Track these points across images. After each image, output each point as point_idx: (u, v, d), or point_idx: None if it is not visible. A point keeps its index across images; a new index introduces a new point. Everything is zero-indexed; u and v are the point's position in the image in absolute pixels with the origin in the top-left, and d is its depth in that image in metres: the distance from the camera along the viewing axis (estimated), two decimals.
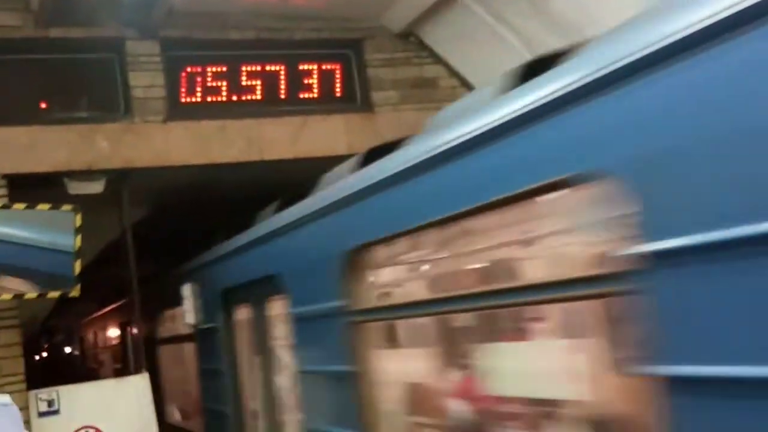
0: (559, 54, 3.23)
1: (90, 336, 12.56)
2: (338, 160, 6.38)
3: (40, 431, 6.04)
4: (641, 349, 2.48)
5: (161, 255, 7.41)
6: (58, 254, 5.90)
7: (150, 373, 6.65)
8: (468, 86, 7.65)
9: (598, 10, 6.01)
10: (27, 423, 5.99)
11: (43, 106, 6.45)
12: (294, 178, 6.21)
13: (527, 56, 6.79)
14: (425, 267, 4.39)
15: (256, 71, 7.07)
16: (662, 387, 2.37)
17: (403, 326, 4.69)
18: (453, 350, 4.46)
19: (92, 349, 12.37)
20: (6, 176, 6.12)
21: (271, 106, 7.05)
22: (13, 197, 5.99)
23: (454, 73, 7.68)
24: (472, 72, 7.58)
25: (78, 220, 5.90)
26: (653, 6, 2.80)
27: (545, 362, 4.01)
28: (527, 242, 3.69)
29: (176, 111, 6.75)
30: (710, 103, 2.23)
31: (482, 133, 3.19)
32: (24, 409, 5.98)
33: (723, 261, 2.17)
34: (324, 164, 6.58)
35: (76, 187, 6.42)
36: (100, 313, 11.16)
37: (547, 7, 6.36)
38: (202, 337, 7.19)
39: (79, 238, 5.90)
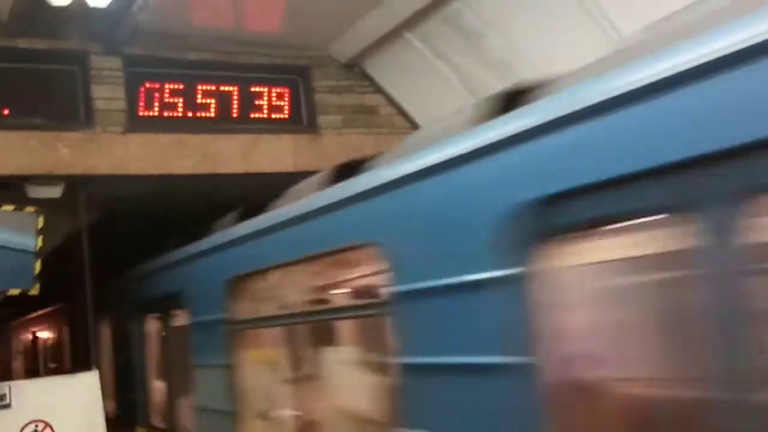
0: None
1: (25, 336, 12.26)
2: (286, 176, 6.65)
3: None
4: (393, 348, 3.81)
5: (112, 260, 7.41)
6: (19, 253, 5.92)
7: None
8: (405, 115, 7.99)
9: (527, 50, 6.39)
10: None
11: (6, 112, 6.44)
12: (244, 192, 6.45)
13: (462, 90, 7.20)
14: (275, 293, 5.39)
15: (211, 90, 7.21)
16: (401, 370, 3.70)
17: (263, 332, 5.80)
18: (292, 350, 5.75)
19: (28, 348, 12.07)
20: None
21: (224, 123, 7.19)
22: None
23: (392, 102, 7.96)
24: (409, 103, 7.90)
25: (41, 221, 5.98)
26: None
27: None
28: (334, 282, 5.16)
29: (135, 123, 6.84)
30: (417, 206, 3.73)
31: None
32: None
33: (432, 298, 3.50)
34: (272, 180, 6.83)
35: (35, 191, 6.43)
36: (38, 313, 11.00)
37: (481, 46, 6.67)
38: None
39: (41, 238, 5.97)
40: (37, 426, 6.16)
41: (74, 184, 6.65)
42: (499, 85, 6.71)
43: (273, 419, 5.45)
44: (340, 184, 4.40)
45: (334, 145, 7.47)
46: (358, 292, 4.98)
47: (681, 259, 2.64)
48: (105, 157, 6.63)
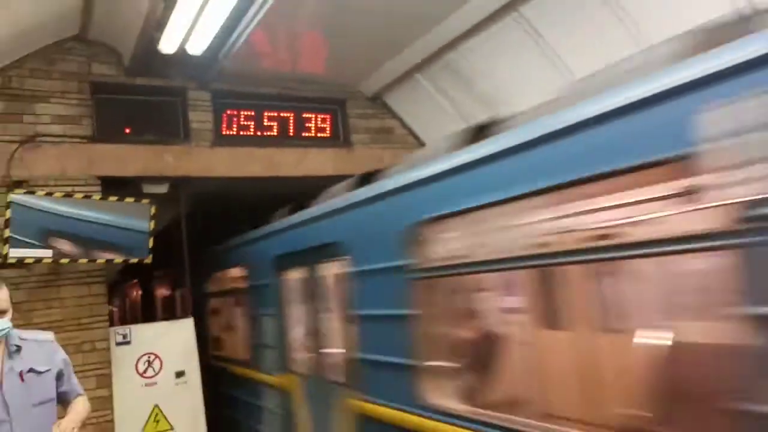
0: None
1: (147, 292, 12.32)
2: (328, 179, 6.75)
3: (117, 356, 6.15)
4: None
5: (203, 238, 7.53)
6: (137, 233, 6.07)
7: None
8: (414, 135, 8.09)
9: (506, 89, 6.43)
10: (107, 350, 6.18)
11: (127, 131, 6.56)
12: (296, 191, 6.56)
13: (457, 117, 7.27)
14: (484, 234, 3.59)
15: (273, 116, 7.30)
16: None
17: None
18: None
19: (148, 301, 12.10)
20: (101, 178, 6.25)
21: (283, 140, 7.29)
22: (105, 194, 6.13)
23: (405, 125, 8.07)
24: (418, 126, 8.00)
25: (153, 210, 6.13)
26: None
27: None
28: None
29: (219, 139, 6.95)
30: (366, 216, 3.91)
31: None
32: (106, 339, 6.20)
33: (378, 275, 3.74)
34: (318, 181, 6.94)
35: (148, 188, 6.55)
36: (156, 276, 11.04)
37: (473, 85, 6.75)
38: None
39: (153, 222, 6.12)
40: (149, 357, 6.35)
41: (176, 183, 6.78)
42: (483, 114, 6.84)
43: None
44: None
45: (364, 156, 7.58)
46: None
47: None
48: (198, 163, 6.75)
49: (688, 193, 2.24)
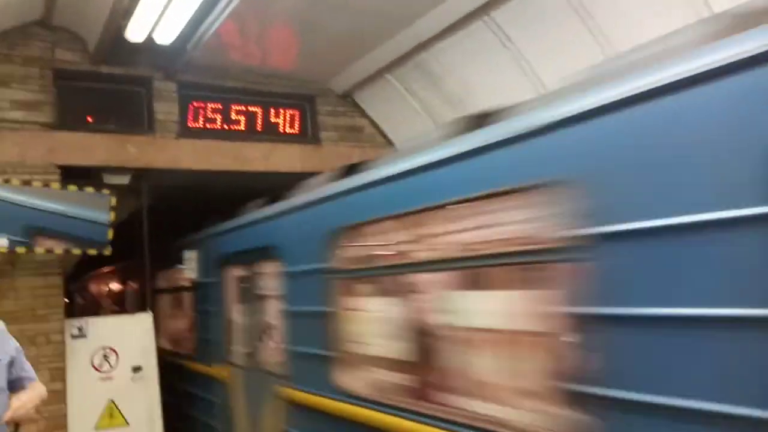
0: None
1: (97, 286, 12.15)
2: (296, 175, 6.72)
3: (72, 349, 6.05)
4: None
5: (163, 232, 7.42)
6: (97, 224, 5.96)
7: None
8: (383, 134, 8.09)
9: (474, 89, 6.49)
10: (62, 343, 6.05)
11: (90, 119, 6.44)
12: (263, 186, 6.52)
13: (425, 117, 7.32)
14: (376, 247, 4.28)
15: (241, 110, 7.23)
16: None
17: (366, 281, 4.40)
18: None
19: (98, 295, 11.96)
20: (61, 167, 6.11)
21: (250, 134, 7.22)
22: (65, 183, 5.99)
23: (374, 124, 8.06)
24: (386, 125, 8.00)
25: (113, 201, 6.02)
26: None
27: None
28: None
29: (185, 131, 6.86)
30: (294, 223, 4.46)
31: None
32: (61, 332, 6.06)
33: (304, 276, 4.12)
34: (285, 177, 6.91)
35: (109, 179, 6.42)
36: (108, 269, 10.91)
37: (443, 86, 6.79)
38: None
39: (113, 213, 6.02)
40: (105, 351, 6.24)
41: (139, 174, 6.67)
42: (452, 114, 6.89)
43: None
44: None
45: (332, 154, 7.55)
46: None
47: None
48: (162, 155, 6.64)
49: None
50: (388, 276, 4.00)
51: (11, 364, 3.47)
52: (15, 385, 3.48)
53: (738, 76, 1.97)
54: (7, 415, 3.25)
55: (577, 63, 4.06)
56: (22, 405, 3.32)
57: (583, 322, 2.46)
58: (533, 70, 5.86)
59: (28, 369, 3.59)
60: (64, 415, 5.87)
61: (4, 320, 3.63)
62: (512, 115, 3.03)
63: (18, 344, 3.59)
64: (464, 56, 6.32)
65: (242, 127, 7.21)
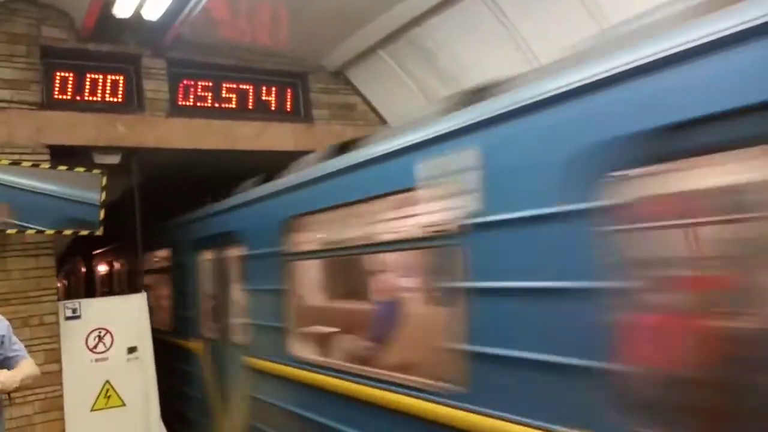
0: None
1: (93, 266, 12.07)
2: (288, 154, 6.69)
3: (66, 330, 6.03)
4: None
5: (155, 211, 7.40)
6: (88, 205, 5.91)
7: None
8: (375, 112, 8.04)
9: (467, 65, 6.44)
10: (56, 324, 6.03)
11: (78, 98, 6.35)
12: (255, 165, 6.48)
13: (419, 94, 7.27)
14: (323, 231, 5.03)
15: (232, 87, 7.16)
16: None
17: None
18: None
19: (87, 276, 11.91)
20: (49, 146, 6.03)
21: (241, 113, 7.16)
22: (55, 163, 5.93)
23: (367, 102, 8.01)
24: (379, 102, 7.94)
25: (104, 180, 5.96)
26: None
27: None
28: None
29: (175, 110, 6.79)
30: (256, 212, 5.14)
31: None
32: (55, 314, 6.04)
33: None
34: (278, 156, 6.87)
35: (99, 158, 6.37)
36: (99, 251, 10.86)
37: (436, 62, 6.74)
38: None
39: (104, 193, 5.97)
40: (100, 332, 6.23)
41: (129, 153, 6.61)
42: (446, 90, 6.84)
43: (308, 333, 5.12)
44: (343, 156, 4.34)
45: (324, 132, 7.51)
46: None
47: None
48: (152, 134, 6.58)
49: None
50: (328, 258, 5.05)
51: (1, 342, 3.52)
52: (5, 364, 3.52)
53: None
54: None
55: (571, 38, 4.02)
56: (11, 376, 3.40)
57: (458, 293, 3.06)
58: (528, 46, 5.82)
59: (18, 348, 3.64)
60: (60, 396, 5.86)
61: None
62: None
63: (7, 322, 3.65)
64: (458, 31, 6.26)
65: (233, 105, 7.14)
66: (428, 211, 3.30)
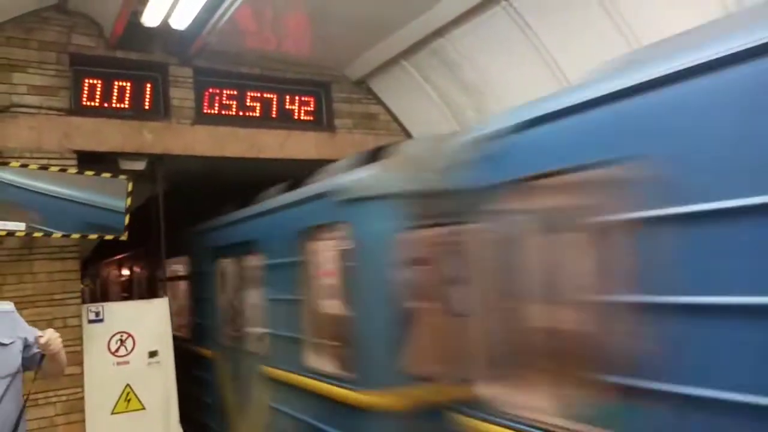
0: None
1: (116, 271, 12.18)
2: (311, 162, 6.73)
3: (89, 333, 6.07)
4: None
5: (178, 218, 7.44)
6: (113, 210, 5.97)
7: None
8: (398, 122, 8.06)
9: (491, 78, 6.41)
10: (79, 327, 6.09)
11: (106, 105, 6.43)
12: (277, 173, 6.52)
13: (441, 105, 7.25)
14: None
15: (257, 96, 7.21)
16: None
17: None
18: None
19: (107, 281, 12.00)
20: (77, 152, 6.11)
21: (266, 121, 7.20)
22: (81, 168, 5.98)
23: (389, 111, 8.02)
24: (402, 112, 7.96)
25: (130, 186, 6.05)
26: None
27: None
28: None
29: (200, 118, 6.84)
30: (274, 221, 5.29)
31: None
32: (78, 317, 6.10)
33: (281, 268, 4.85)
34: (301, 165, 6.91)
35: (125, 164, 6.44)
36: (120, 256, 10.96)
37: (460, 74, 6.72)
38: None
39: (129, 199, 6.04)
40: (122, 336, 6.28)
41: (154, 160, 6.68)
42: (469, 102, 6.82)
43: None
44: None
45: (346, 141, 7.54)
46: None
47: None
48: (178, 141, 6.64)
49: None
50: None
51: (25, 344, 3.50)
52: (35, 360, 3.54)
53: None
54: (45, 338, 3.40)
55: (598, 52, 3.98)
56: (57, 336, 3.46)
57: None
58: (553, 58, 5.78)
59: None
60: (81, 399, 5.91)
61: (22, 304, 3.67)
62: None
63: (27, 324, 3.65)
64: (482, 43, 6.25)
65: (257, 113, 7.19)
66: None
